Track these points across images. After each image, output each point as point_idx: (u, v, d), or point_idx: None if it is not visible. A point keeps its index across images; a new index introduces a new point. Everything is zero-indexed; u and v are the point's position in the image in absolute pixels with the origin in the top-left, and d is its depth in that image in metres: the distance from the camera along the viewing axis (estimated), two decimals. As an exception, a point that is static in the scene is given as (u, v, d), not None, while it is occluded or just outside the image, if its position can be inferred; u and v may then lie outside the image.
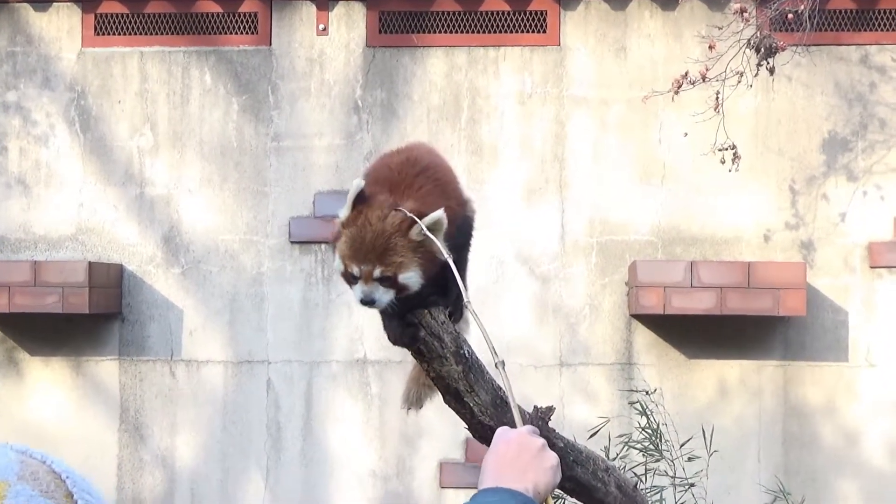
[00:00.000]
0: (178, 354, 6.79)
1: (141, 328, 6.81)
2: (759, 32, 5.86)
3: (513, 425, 2.20)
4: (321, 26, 6.78)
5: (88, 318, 6.67)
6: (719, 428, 5.61)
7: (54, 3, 6.89)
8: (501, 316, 6.60)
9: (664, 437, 4.58)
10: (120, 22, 6.86)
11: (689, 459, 4.64)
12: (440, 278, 2.33)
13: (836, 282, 6.56)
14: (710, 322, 6.42)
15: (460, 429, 2.55)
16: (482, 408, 2.48)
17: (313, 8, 6.79)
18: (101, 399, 6.81)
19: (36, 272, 6.47)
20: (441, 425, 6.45)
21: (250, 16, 6.83)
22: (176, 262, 6.80)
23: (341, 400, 6.72)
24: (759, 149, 6.59)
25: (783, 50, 5.81)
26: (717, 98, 5.90)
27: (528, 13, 6.71)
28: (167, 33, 6.84)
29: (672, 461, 4.59)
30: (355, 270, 2.30)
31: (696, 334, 6.52)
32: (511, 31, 6.73)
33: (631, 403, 5.13)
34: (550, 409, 2.62)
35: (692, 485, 4.56)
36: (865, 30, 6.61)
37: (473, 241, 2.55)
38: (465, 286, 2.55)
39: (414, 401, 2.68)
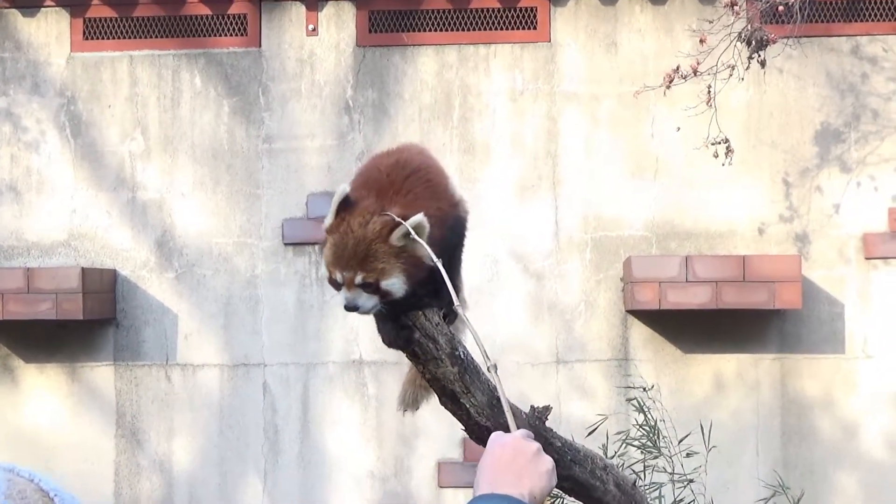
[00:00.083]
0: (174, 359, 6.77)
1: (136, 333, 6.79)
2: (749, 25, 5.85)
3: (507, 429, 2.19)
4: (311, 27, 6.76)
5: (83, 324, 6.65)
6: (717, 422, 5.61)
7: (43, 9, 6.87)
8: (497, 314, 6.59)
9: (662, 433, 4.57)
10: (109, 26, 6.84)
11: (688, 455, 4.63)
12: (434, 280, 2.32)
13: (832, 274, 6.55)
14: (705, 316, 6.41)
15: (458, 428, 2.54)
16: (479, 409, 2.47)
17: (302, 8, 6.77)
18: (96, 405, 6.79)
19: (29, 279, 6.45)
20: (438, 425, 6.44)
21: (239, 17, 6.81)
22: (169, 267, 6.79)
23: (338, 401, 6.71)
24: (752, 142, 6.58)
25: (774, 42, 5.80)
26: (709, 92, 5.89)
27: (517, 10, 6.69)
28: (156, 36, 6.82)
29: (670, 457, 4.57)
30: (338, 277, 2.31)
31: (692, 329, 6.52)
32: (501, 28, 6.71)
33: (628, 400, 5.12)
34: (547, 409, 2.61)
35: (691, 481, 4.55)
36: (856, 20, 6.60)
37: (467, 241, 2.55)
38: (458, 287, 2.54)
39: (410, 402, 2.67)
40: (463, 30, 6.72)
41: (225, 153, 6.79)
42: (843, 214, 6.57)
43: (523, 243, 6.65)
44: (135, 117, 6.83)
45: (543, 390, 6.54)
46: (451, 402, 2.47)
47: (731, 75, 5.85)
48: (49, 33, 6.87)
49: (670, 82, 5.83)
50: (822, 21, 6.58)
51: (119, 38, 6.84)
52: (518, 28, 6.70)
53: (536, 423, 2.59)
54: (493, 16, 6.72)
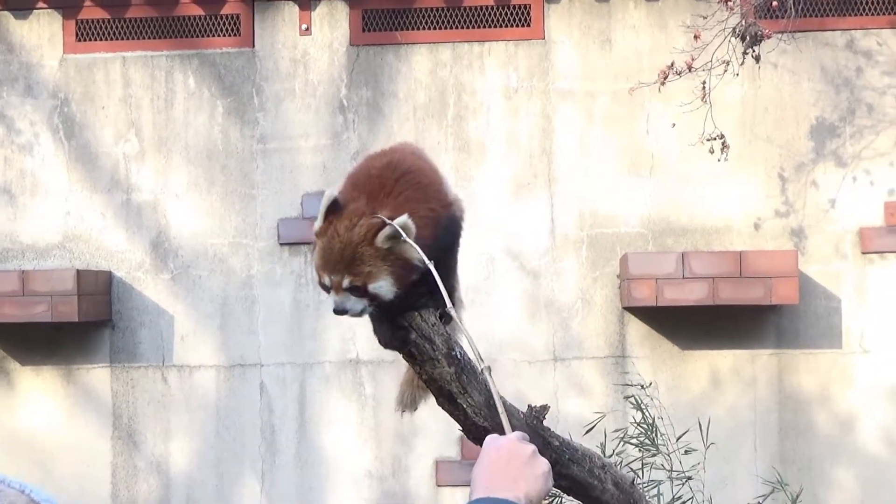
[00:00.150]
0: (170, 360, 6.76)
1: (131, 335, 6.78)
2: (743, 20, 5.84)
3: (502, 431, 2.18)
4: (304, 26, 6.75)
5: (78, 326, 6.64)
6: (714, 418, 5.61)
7: (35, 11, 6.85)
8: (493, 312, 6.58)
9: (659, 430, 4.56)
10: (101, 27, 6.82)
11: (686, 452, 4.62)
12: (428, 281, 2.31)
13: (828, 268, 6.55)
14: (702, 312, 6.41)
15: (455, 427, 2.53)
16: (476, 409, 2.46)
17: (296, 8, 6.76)
18: (93, 407, 6.78)
19: (24, 282, 6.44)
20: (436, 424, 6.43)
21: (232, 18, 6.80)
22: (165, 268, 6.77)
23: (335, 401, 6.70)
24: (747, 137, 6.57)
25: (768, 37, 5.79)
26: (704, 88, 5.88)
27: (511, 7, 6.68)
28: (149, 37, 6.81)
29: (668, 455, 4.57)
30: (327, 281, 2.32)
31: (689, 325, 6.51)
32: (495, 26, 6.70)
33: (626, 398, 5.12)
34: (545, 408, 2.61)
35: (689, 478, 4.54)
36: (850, 14, 6.60)
37: (463, 240, 2.54)
38: (453, 287, 2.53)
39: (408, 403, 2.67)
40: (457, 28, 6.71)
41: (219, 154, 6.78)
42: (838, 209, 6.56)
43: (519, 241, 6.64)
44: (128, 118, 6.82)
45: (541, 388, 6.53)
46: (448, 402, 2.47)
47: (725, 71, 5.85)
48: (41, 35, 6.85)
49: (665, 79, 5.82)
50: (816, 15, 6.57)
51: (112, 39, 6.82)
52: (512, 25, 6.69)
53: (534, 422, 2.58)
54: (486, 13, 6.70)
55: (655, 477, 4.57)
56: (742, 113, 6.58)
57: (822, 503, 6.49)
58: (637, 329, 6.58)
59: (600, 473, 2.73)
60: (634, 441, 4.54)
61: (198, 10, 6.78)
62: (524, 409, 2.59)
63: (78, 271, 6.46)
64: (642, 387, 4.81)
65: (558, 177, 6.65)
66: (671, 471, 4.57)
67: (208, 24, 6.80)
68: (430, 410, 2.63)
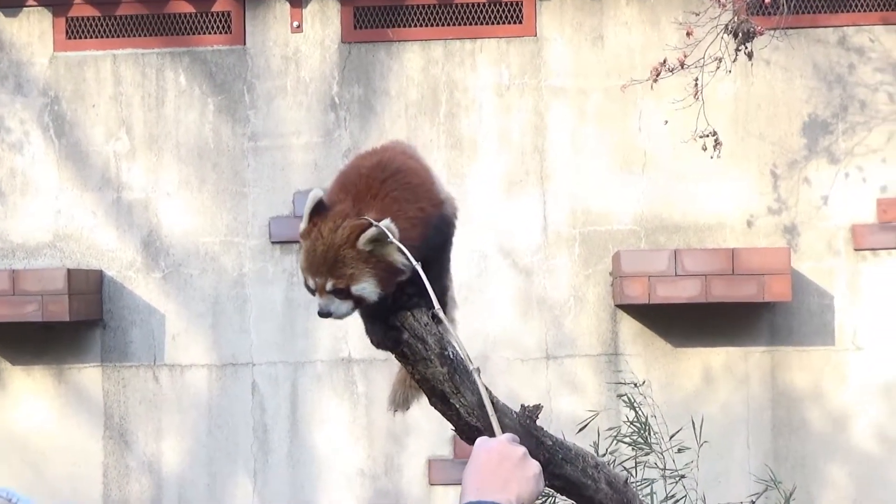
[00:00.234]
0: (162, 359, 6.74)
1: (123, 334, 6.76)
2: (736, 17, 5.83)
3: (492, 433, 2.16)
4: (295, 23, 6.73)
5: (69, 325, 6.61)
6: (707, 416, 5.60)
7: (25, 8, 6.82)
8: (486, 310, 6.57)
9: (653, 429, 4.55)
10: (91, 25, 6.80)
11: (679, 451, 4.61)
12: (419, 280, 2.30)
13: (821, 265, 6.54)
14: (695, 310, 6.40)
15: (448, 426, 2.52)
16: (469, 409, 2.45)
17: (287, 5, 6.74)
18: (84, 407, 6.76)
19: (14, 281, 6.41)
20: (428, 422, 6.42)
21: (223, 15, 6.77)
22: (156, 267, 6.75)
23: (327, 400, 6.68)
24: (740, 134, 6.57)
25: (761, 34, 5.78)
26: (696, 85, 5.87)
27: (503, 4, 6.67)
28: (140, 35, 6.78)
29: (661, 453, 4.56)
30: (311, 283, 2.31)
31: (682, 323, 6.50)
32: (487, 23, 6.69)
33: (619, 396, 5.11)
34: (538, 408, 2.60)
35: (682, 476, 4.53)
36: (842, 11, 6.60)
37: (456, 238, 2.53)
38: (446, 287, 2.52)
39: (400, 402, 2.66)
40: (448, 25, 6.69)
41: (210, 152, 6.76)
42: (831, 206, 6.56)
43: (511, 239, 6.63)
44: (119, 117, 6.79)
45: (533, 386, 6.52)
46: (441, 402, 2.45)
47: (718, 68, 5.84)
48: (31, 33, 6.83)
49: (657, 75, 5.81)
50: (809, 12, 6.57)
51: (102, 37, 6.80)
52: (504, 22, 6.68)
53: (527, 422, 2.57)
54: (478, 10, 6.69)
55: (649, 475, 4.56)
56: (734, 110, 6.58)
57: (816, 500, 6.48)
58: (630, 327, 6.57)
59: (594, 473, 2.72)
60: (628, 440, 4.53)
61: (188, 8, 6.76)
62: (517, 407, 2.58)
63: (69, 270, 6.44)
64: (635, 385, 4.80)
65: (551, 174, 6.64)
66: (664, 469, 4.57)
67: (199, 22, 6.78)
68: (423, 409, 2.62)
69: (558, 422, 5.99)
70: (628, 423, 4.60)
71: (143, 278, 6.75)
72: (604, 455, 4.18)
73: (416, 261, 2.27)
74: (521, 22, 6.68)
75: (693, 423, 4.79)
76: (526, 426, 2.56)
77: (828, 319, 6.53)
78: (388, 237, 2.24)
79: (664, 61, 5.82)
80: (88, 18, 6.80)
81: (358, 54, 6.72)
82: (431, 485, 6.63)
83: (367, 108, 6.71)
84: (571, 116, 6.64)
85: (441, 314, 2.31)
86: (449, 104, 6.69)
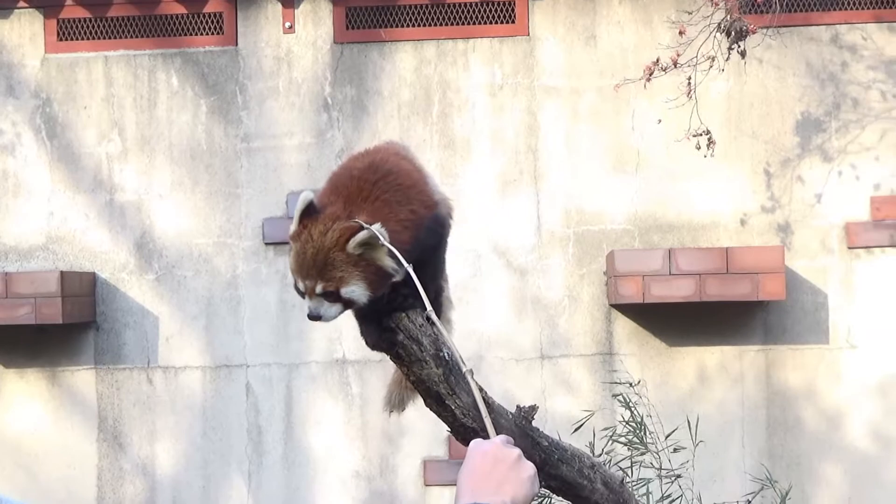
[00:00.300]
0: (155, 361, 6.72)
1: (116, 336, 6.74)
2: (728, 16, 5.83)
3: (487, 434, 2.16)
4: (287, 24, 6.72)
5: (62, 328, 6.59)
6: (702, 415, 5.60)
7: (16, 10, 6.80)
8: (480, 310, 6.56)
9: (648, 428, 4.55)
10: (83, 26, 6.78)
11: (675, 450, 4.61)
12: (413, 282, 2.29)
13: (815, 264, 6.54)
14: (689, 309, 6.40)
15: (443, 426, 2.51)
16: (464, 410, 2.44)
17: (279, 6, 6.73)
18: (78, 409, 6.74)
19: (7, 284, 6.39)
20: (423, 423, 6.41)
21: (215, 16, 6.76)
22: (149, 269, 6.74)
23: (322, 401, 6.67)
24: (733, 133, 6.57)
25: (753, 33, 5.78)
26: (689, 83, 5.87)
27: (496, 4, 6.66)
28: (131, 36, 6.76)
29: (657, 453, 4.55)
30: (301, 285, 2.31)
31: (676, 322, 6.50)
32: (479, 23, 6.68)
33: (614, 396, 5.10)
34: (534, 408, 2.59)
35: (678, 476, 4.53)
36: (835, 9, 6.60)
37: (451, 239, 2.52)
38: (441, 287, 2.51)
39: (396, 403, 2.66)
40: (441, 25, 6.68)
41: (203, 153, 6.75)
42: (824, 204, 6.56)
43: (505, 239, 6.62)
44: (111, 118, 6.78)
45: (528, 386, 6.51)
46: (437, 403, 2.45)
47: (711, 66, 5.83)
48: (22, 34, 6.81)
49: (650, 75, 5.80)
50: (801, 10, 6.57)
51: (94, 38, 6.78)
52: (496, 22, 6.67)
53: (523, 422, 2.57)
54: (471, 10, 6.68)
55: (644, 475, 4.56)
56: (728, 109, 6.58)
57: (810, 499, 6.49)
58: (624, 326, 6.56)
59: (590, 473, 2.72)
60: (623, 439, 4.53)
61: (180, 9, 6.75)
62: (512, 408, 2.58)
63: (62, 273, 6.42)
64: (630, 384, 4.79)
65: (544, 174, 6.63)
66: (660, 469, 4.56)
67: (191, 23, 6.76)
68: (418, 410, 2.62)
69: (553, 422, 5.98)
70: (623, 423, 4.59)
71: (136, 280, 6.74)
72: (599, 455, 4.17)
73: (408, 263, 2.27)
74: (513, 21, 6.67)
75: (689, 422, 4.79)
76: (522, 427, 2.55)
77: (822, 318, 6.53)
78: (379, 240, 2.24)
79: (657, 60, 5.82)
80: (80, 20, 6.78)
81: (350, 55, 6.71)
82: (426, 486, 6.62)
83: (359, 108, 6.70)
84: (565, 116, 6.64)
85: (433, 316, 2.31)
86: (442, 104, 6.68)
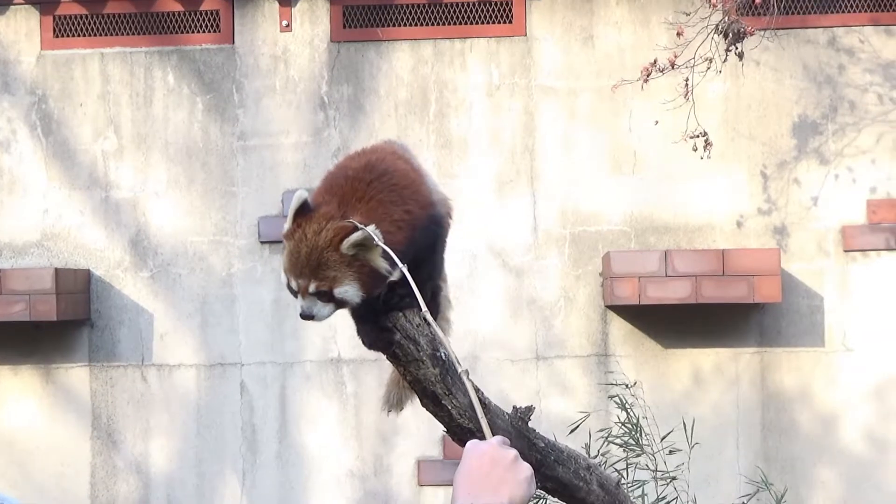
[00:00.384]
0: (150, 359, 6.71)
1: (111, 334, 6.73)
2: (726, 18, 5.83)
3: (483, 435, 2.15)
4: (284, 22, 6.71)
5: (57, 325, 6.58)
6: (697, 417, 5.59)
7: (12, 6, 6.79)
8: (476, 310, 6.56)
9: (644, 430, 4.54)
10: (79, 23, 6.77)
11: (671, 453, 4.60)
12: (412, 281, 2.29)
13: (811, 266, 6.54)
14: (685, 311, 6.39)
15: (437, 426, 2.50)
16: (461, 411, 2.44)
17: (276, 4, 6.72)
18: (72, 407, 6.72)
19: (1, 280, 6.38)
20: (418, 423, 6.40)
21: (212, 14, 6.75)
22: (144, 266, 6.72)
23: (316, 400, 6.66)
24: (730, 134, 6.56)
25: (751, 34, 5.78)
26: (687, 85, 5.87)
27: (493, 3, 6.65)
28: (128, 34, 6.75)
29: (653, 455, 4.55)
30: (293, 285, 2.31)
31: (672, 324, 6.50)
32: (477, 23, 6.67)
33: (610, 397, 5.10)
34: (530, 410, 2.59)
35: (674, 478, 4.52)
36: (832, 12, 6.60)
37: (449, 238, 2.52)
38: (439, 287, 2.50)
39: (395, 403, 2.65)
40: (438, 24, 6.68)
41: (199, 151, 6.73)
42: (821, 207, 6.56)
43: (502, 239, 6.62)
44: (107, 115, 6.76)
45: (523, 387, 6.51)
46: (433, 403, 2.44)
47: (708, 68, 5.83)
48: (18, 31, 6.79)
49: (648, 76, 5.80)
50: (799, 13, 6.57)
51: (90, 35, 6.77)
52: (494, 22, 6.67)
53: (519, 423, 2.56)
54: (468, 10, 6.68)
55: (640, 477, 4.55)
56: (725, 110, 6.57)
57: (805, 501, 6.48)
58: (620, 327, 6.56)
59: (586, 475, 2.72)
60: (619, 441, 4.52)
61: (177, 6, 6.74)
62: (508, 408, 2.57)
63: (56, 270, 6.41)
64: (626, 386, 4.79)
65: (541, 174, 6.63)
66: (656, 471, 4.55)
67: (188, 20, 6.75)
68: (413, 409, 2.61)
69: (549, 423, 5.97)
70: (619, 425, 4.59)
71: (131, 278, 6.72)
72: (595, 456, 4.17)
73: (403, 263, 2.26)
74: (511, 21, 6.66)
75: (684, 424, 4.78)
76: (518, 428, 2.55)
77: (818, 320, 6.53)
78: (374, 240, 2.23)
79: (654, 61, 5.82)
80: (76, 17, 6.76)
81: (347, 53, 6.70)
82: (421, 485, 6.62)
83: (356, 107, 6.69)
84: (562, 116, 6.63)
85: (428, 316, 2.30)
86: (439, 104, 6.68)
